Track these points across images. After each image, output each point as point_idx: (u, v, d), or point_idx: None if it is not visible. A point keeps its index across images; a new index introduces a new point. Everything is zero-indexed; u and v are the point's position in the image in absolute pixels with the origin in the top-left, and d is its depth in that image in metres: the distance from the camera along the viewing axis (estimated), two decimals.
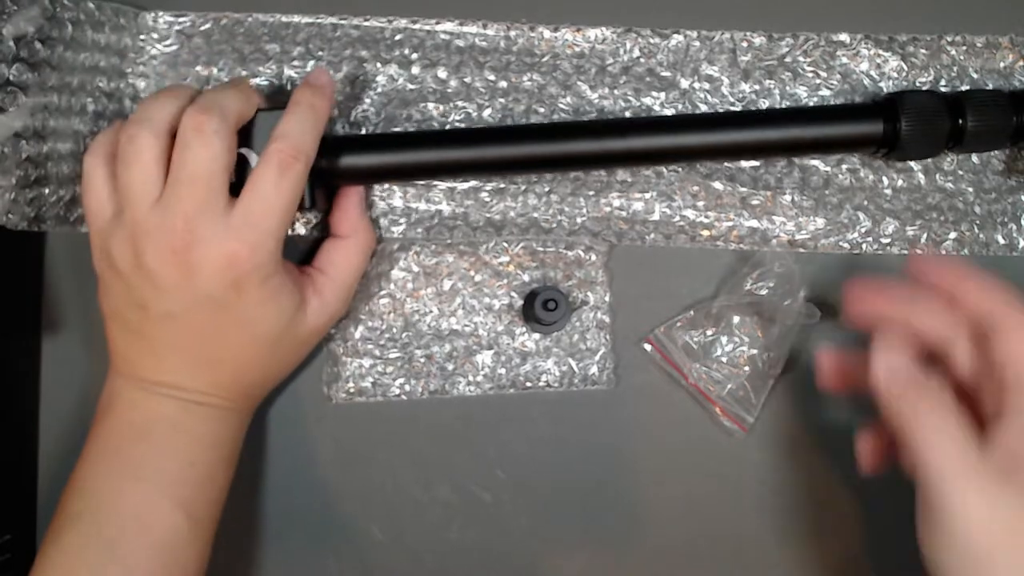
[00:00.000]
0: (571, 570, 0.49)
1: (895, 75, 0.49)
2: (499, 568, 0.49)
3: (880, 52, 0.49)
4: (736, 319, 0.48)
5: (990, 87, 0.49)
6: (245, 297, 0.41)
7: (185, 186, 0.39)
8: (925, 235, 0.50)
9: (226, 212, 0.40)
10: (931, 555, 0.37)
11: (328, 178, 0.45)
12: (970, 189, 0.50)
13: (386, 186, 0.48)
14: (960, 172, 0.50)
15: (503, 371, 0.49)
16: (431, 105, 0.49)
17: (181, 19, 0.48)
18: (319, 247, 0.47)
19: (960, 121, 0.46)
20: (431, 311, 0.49)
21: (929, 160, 0.50)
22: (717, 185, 0.49)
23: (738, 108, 0.49)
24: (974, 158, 0.49)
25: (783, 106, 0.49)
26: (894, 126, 0.46)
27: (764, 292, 0.47)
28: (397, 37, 0.49)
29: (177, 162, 0.40)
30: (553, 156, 0.46)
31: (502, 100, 0.49)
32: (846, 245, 0.50)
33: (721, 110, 0.49)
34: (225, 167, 0.40)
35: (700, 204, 0.49)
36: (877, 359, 0.38)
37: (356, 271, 0.46)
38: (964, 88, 0.49)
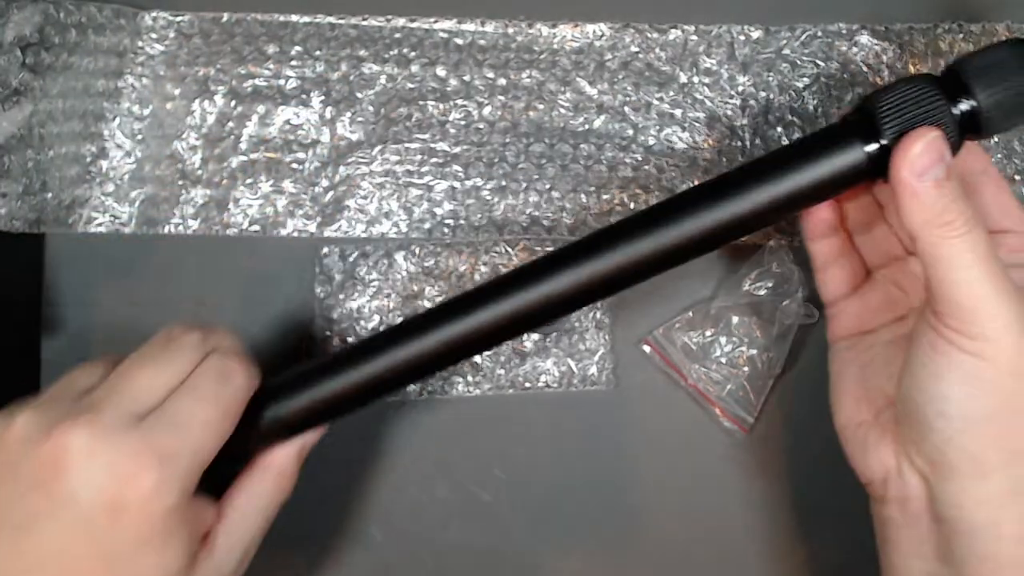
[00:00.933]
0: (569, 570, 0.49)
1: (894, 64, 0.48)
2: (497, 568, 0.49)
3: (877, 41, 0.48)
4: (735, 319, 0.47)
5: None
6: (121, 529, 0.30)
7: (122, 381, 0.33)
8: None
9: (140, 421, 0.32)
10: (932, 388, 0.33)
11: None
12: None
13: (385, 187, 0.48)
14: None
15: (502, 371, 0.49)
16: (430, 104, 0.48)
17: (179, 19, 0.48)
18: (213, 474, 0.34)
19: (966, 101, 0.34)
20: None
21: None
22: None
23: (737, 101, 0.48)
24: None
25: (782, 100, 0.48)
26: (878, 141, 0.34)
27: (763, 292, 0.46)
28: (395, 36, 0.49)
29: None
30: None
31: (501, 97, 0.48)
32: None
33: (721, 106, 0.48)
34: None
35: None
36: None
37: (264, 523, 0.36)
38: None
